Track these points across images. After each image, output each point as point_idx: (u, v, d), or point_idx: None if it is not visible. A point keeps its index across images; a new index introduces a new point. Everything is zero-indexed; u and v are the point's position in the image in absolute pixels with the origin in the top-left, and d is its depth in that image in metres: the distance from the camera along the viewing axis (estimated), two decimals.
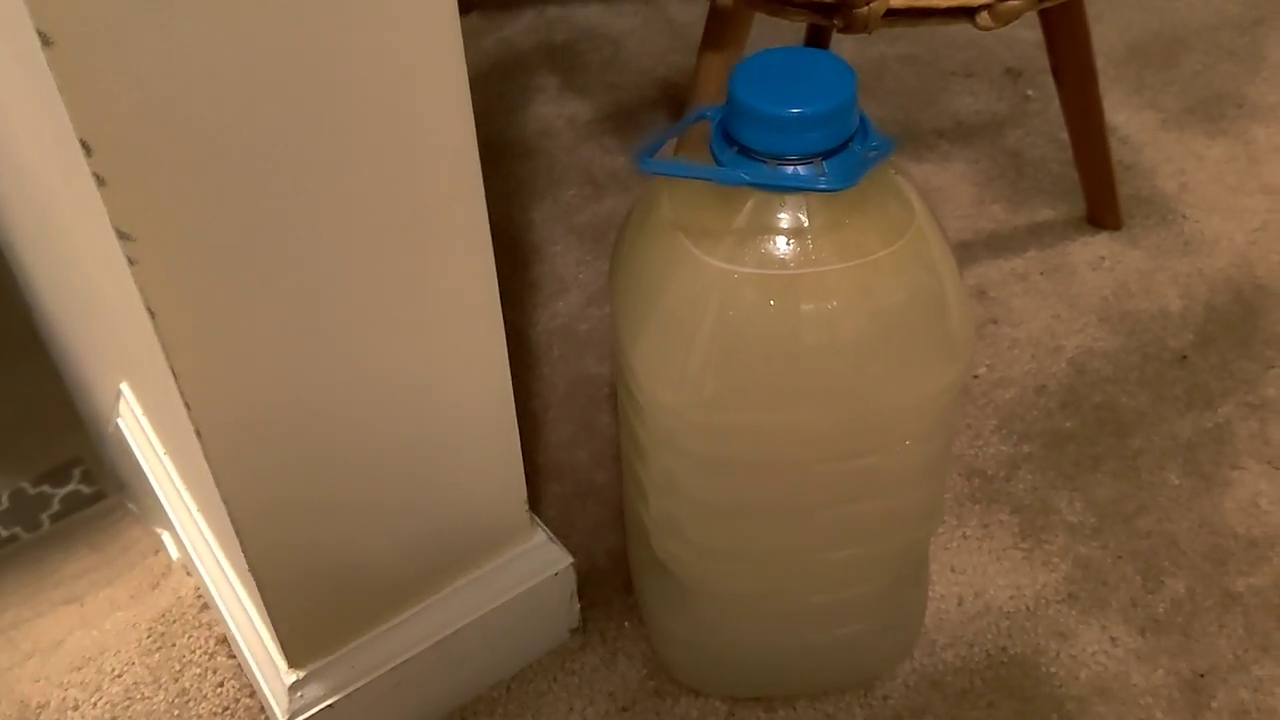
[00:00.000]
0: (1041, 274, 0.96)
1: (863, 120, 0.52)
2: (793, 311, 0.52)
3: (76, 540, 0.84)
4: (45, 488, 0.87)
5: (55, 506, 0.86)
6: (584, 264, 1.00)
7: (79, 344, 0.81)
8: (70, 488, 0.87)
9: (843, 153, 0.50)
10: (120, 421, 0.77)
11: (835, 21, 0.78)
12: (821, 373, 0.53)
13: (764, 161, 0.50)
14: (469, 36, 1.33)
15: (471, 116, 0.50)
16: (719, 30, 0.88)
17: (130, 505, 0.85)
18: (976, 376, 0.88)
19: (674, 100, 1.19)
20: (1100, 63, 1.17)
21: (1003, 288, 0.95)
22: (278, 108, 0.44)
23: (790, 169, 0.50)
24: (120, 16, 0.39)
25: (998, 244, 1.00)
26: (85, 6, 0.39)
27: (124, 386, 0.75)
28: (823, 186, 0.48)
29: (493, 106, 1.19)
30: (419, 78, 0.47)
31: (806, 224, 0.51)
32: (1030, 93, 1.16)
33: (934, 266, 0.55)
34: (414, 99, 0.48)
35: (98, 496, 0.87)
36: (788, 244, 0.51)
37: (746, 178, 0.49)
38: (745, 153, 0.51)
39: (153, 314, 0.46)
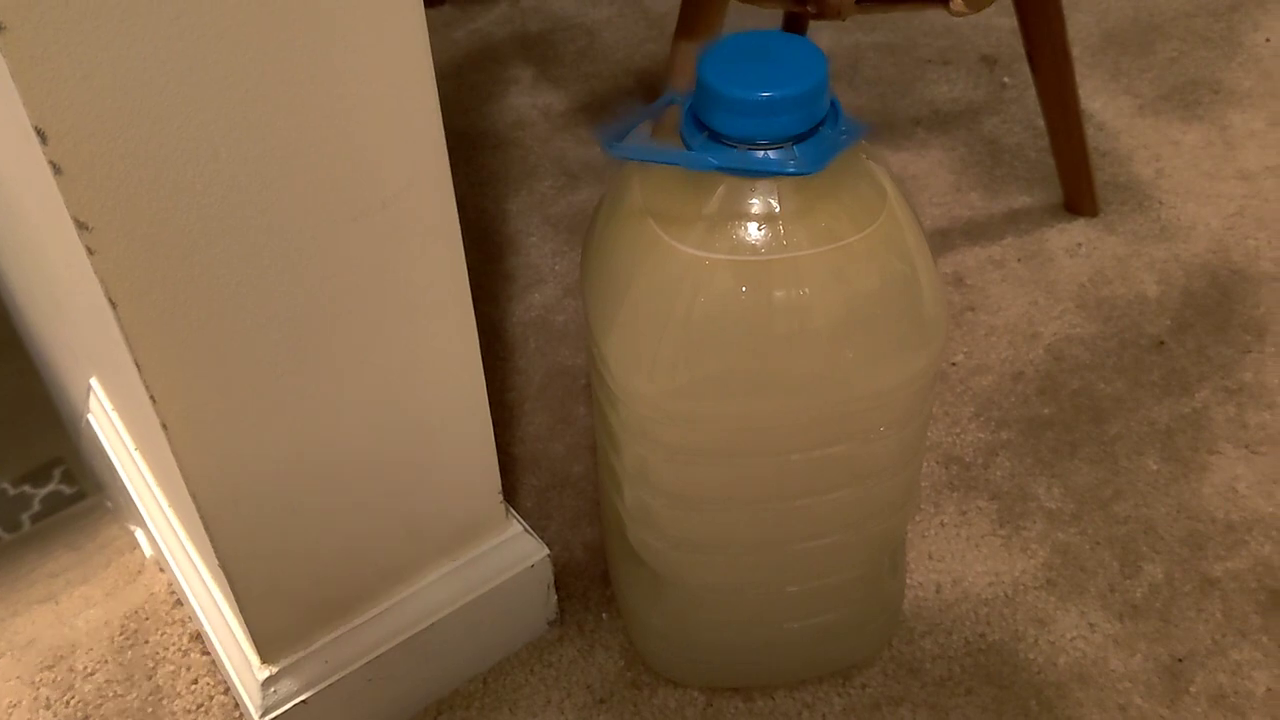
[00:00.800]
0: (1019, 261, 0.96)
1: (834, 104, 0.51)
2: (765, 298, 0.51)
3: (55, 540, 0.83)
4: (26, 488, 0.87)
5: (36, 507, 0.86)
6: (560, 255, 0.99)
7: (52, 340, 0.80)
8: (51, 488, 0.87)
9: (814, 137, 0.50)
10: (91, 417, 0.76)
11: (808, 7, 0.77)
12: (795, 359, 0.53)
13: (734, 146, 0.50)
14: (443, 27, 1.33)
15: (436, 99, 0.49)
16: (693, 18, 0.88)
17: (108, 503, 0.85)
18: (954, 364, 0.88)
19: (650, 90, 1.18)
20: (1077, 50, 1.17)
21: (980, 275, 0.95)
22: (236, 94, 0.44)
23: (760, 154, 0.49)
24: (74, 2, 0.38)
25: (975, 231, 0.99)
26: None
27: (93, 381, 0.74)
28: (792, 170, 0.48)
29: (467, 98, 1.18)
30: (383, 64, 0.47)
31: (778, 209, 0.51)
32: (1007, 80, 1.16)
33: (907, 251, 0.54)
34: (377, 82, 0.47)
35: (78, 496, 0.86)
36: (759, 229, 0.51)
37: (714, 162, 0.48)
38: (715, 138, 0.50)
39: (114, 305, 0.46)
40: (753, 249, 0.51)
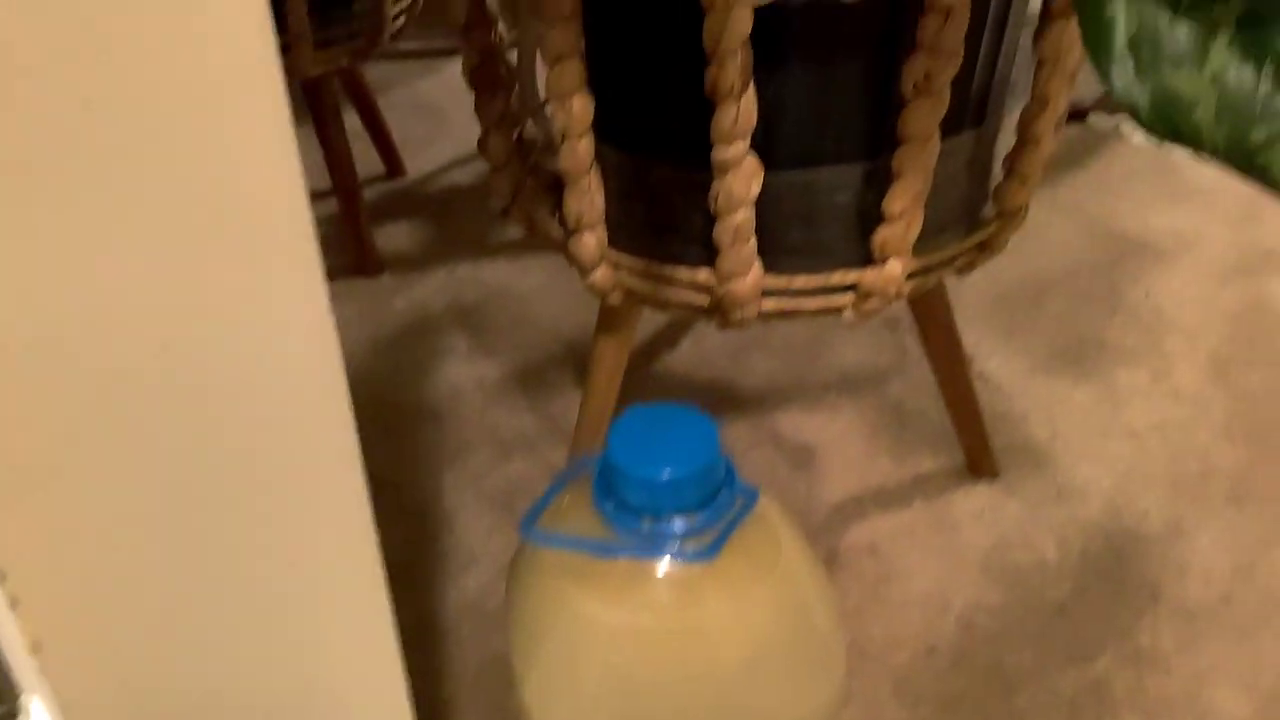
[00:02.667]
0: (928, 528, 1.02)
1: (728, 468, 0.57)
2: (675, 652, 0.56)
3: None
4: None
5: None
6: (492, 532, 1.03)
7: None
8: None
9: (713, 503, 0.56)
10: None
11: (714, 320, 0.85)
12: (706, 704, 0.57)
13: (640, 515, 0.55)
14: (385, 296, 1.39)
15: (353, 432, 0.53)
16: (611, 319, 0.95)
17: None
18: (871, 638, 0.92)
19: (578, 358, 1.25)
20: (970, 312, 1.27)
21: (892, 544, 1.01)
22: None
23: (663, 527, 0.54)
24: (31, 473, 0.43)
25: (885, 498, 1.05)
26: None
27: None
28: (692, 557, 0.53)
29: (405, 370, 1.24)
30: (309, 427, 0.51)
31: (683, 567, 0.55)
32: (909, 342, 1.25)
33: (804, 590, 0.59)
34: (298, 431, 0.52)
35: None
36: (666, 588, 0.55)
37: (622, 552, 0.53)
38: (622, 505, 0.55)
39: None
40: (661, 607, 0.55)
